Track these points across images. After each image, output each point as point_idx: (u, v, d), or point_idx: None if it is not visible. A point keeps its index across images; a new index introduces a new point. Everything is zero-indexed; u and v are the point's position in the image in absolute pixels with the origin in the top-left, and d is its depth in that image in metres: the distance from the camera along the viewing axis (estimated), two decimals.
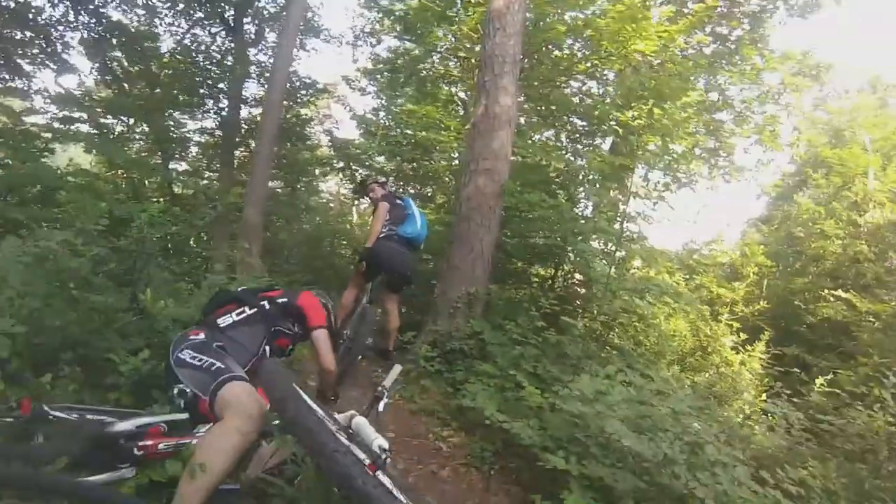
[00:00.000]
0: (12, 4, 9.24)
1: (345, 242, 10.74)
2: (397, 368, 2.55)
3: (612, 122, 8.40)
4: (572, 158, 8.19)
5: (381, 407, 2.36)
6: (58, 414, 1.90)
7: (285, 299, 2.93)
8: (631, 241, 6.61)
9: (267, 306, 2.85)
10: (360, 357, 4.23)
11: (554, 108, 9.27)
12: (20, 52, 9.91)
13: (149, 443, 1.83)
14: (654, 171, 6.91)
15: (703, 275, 9.44)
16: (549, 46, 9.20)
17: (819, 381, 5.21)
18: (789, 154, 14.12)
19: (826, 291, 8.79)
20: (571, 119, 9.65)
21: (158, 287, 3.75)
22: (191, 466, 1.76)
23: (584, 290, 6.31)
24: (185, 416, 2.18)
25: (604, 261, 5.83)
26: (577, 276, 6.23)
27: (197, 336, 2.53)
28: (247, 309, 2.83)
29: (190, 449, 1.94)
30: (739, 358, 6.57)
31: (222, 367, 2.24)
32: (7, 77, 9.90)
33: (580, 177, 6.94)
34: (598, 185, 6.23)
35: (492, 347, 4.48)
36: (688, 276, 8.54)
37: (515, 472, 3.34)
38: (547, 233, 5.51)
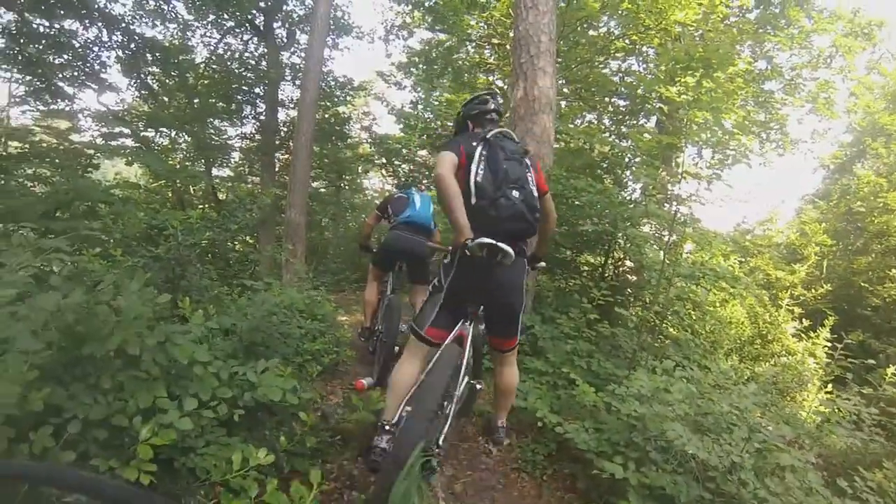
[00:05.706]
0: (47, 30, 9.46)
1: None
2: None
3: (656, 100, 8.11)
4: (617, 141, 7.92)
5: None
6: None
7: None
8: (683, 225, 6.31)
9: None
10: (395, 347, 4.02)
11: (594, 89, 9.03)
12: (60, 75, 10.10)
13: None
14: (704, 148, 6.58)
15: (759, 257, 9.00)
16: (585, 26, 8.94)
17: (890, 369, 4.86)
18: (846, 122, 13.32)
19: (893, 271, 8.30)
20: (613, 100, 9.40)
21: (200, 293, 3.75)
22: None
23: (635, 278, 6.05)
24: None
25: (655, 246, 5.57)
26: (628, 263, 5.97)
27: None
28: None
29: None
30: (802, 346, 6.18)
31: None
32: (49, 100, 10.05)
33: (626, 159, 6.64)
34: (644, 167, 5.92)
35: (543, 342, 4.28)
36: (742, 259, 8.13)
37: (570, 478, 3.04)
38: (595, 219, 5.24)
